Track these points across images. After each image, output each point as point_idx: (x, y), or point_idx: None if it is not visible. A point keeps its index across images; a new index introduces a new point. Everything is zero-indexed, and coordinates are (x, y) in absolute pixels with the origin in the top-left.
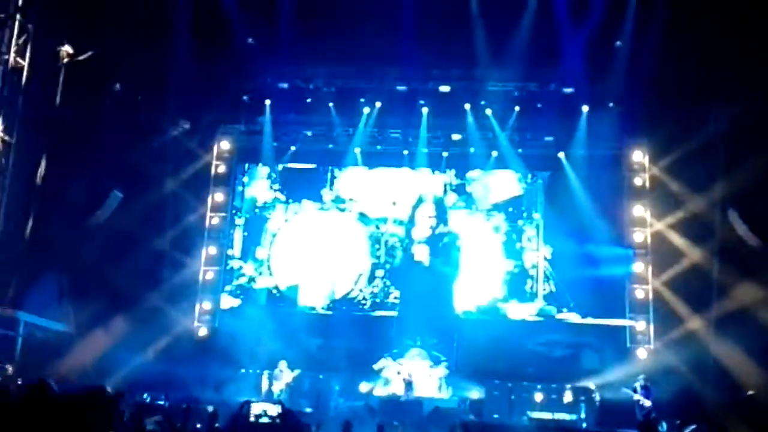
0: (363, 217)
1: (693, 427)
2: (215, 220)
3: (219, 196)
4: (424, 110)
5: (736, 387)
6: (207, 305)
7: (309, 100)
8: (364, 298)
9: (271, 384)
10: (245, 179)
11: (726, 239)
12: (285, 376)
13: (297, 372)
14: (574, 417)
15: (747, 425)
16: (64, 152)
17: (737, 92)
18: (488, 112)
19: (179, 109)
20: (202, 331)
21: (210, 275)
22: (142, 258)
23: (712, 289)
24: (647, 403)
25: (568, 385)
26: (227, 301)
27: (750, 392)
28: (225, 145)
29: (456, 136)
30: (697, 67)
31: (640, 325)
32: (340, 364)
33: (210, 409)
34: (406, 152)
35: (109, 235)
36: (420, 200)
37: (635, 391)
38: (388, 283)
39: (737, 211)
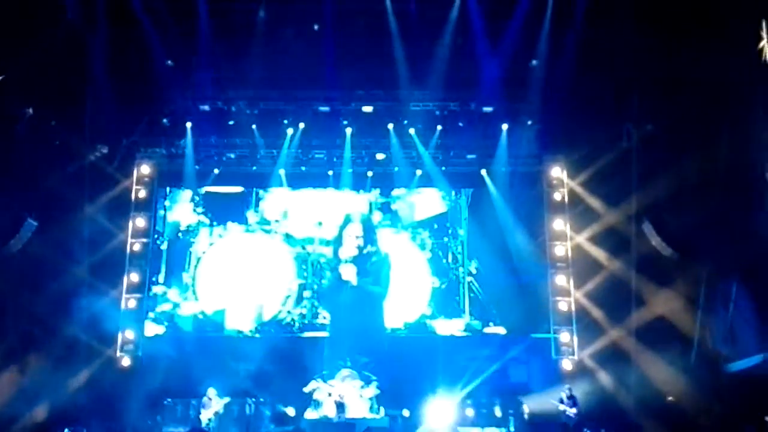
0: (289, 238)
1: None
2: (137, 246)
3: (140, 222)
4: (348, 130)
5: (657, 394)
6: (130, 334)
7: (231, 123)
8: (292, 320)
9: (199, 413)
10: (167, 203)
11: (642, 251)
12: (214, 404)
13: (226, 399)
14: (503, 430)
15: (667, 430)
16: None
17: (648, 111)
18: (411, 131)
19: (96, 132)
20: (126, 361)
21: (132, 303)
22: (58, 288)
23: (630, 299)
24: (573, 411)
25: (497, 399)
26: (151, 329)
27: (669, 399)
28: (145, 169)
29: (380, 156)
30: (609, 86)
31: (564, 337)
32: (270, 388)
33: None
34: (330, 172)
35: (23, 264)
36: (347, 220)
37: (561, 401)
38: (316, 303)
39: (651, 223)
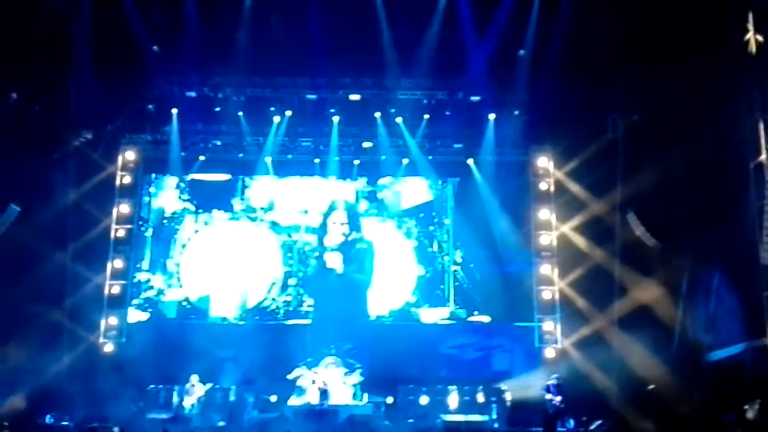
0: (275, 226)
1: (599, 422)
2: (121, 233)
3: (124, 208)
4: (335, 119)
5: (638, 382)
6: (113, 320)
7: (218, 109)
8: (277, 307)
9: (182, 399)
10: (152, 190)
11: (626, 240)
12: (197, 390)
13: (209, 386)
14: (486, 418)
15: (648, 418)
16: None
17: (634, 103)
18: (398, 120)
19: (81, 118)
20: (109, 347)
21: (116, 289)
22: (42, 273)
23: (614, 288)
24: (558, 399)
25: (480, 387)
26: (135, 315)
27: (651, 386)
28: (130, 155)
29: (367, 144)
30: (596, 77)
31: (547, 326)
32: (254, 375)
33: (116, 430)
34: (317, 160)
35: (6, 250)
36: (332, 207)
37: (548, 389)
38: (301, 291)
39: (635, 213)
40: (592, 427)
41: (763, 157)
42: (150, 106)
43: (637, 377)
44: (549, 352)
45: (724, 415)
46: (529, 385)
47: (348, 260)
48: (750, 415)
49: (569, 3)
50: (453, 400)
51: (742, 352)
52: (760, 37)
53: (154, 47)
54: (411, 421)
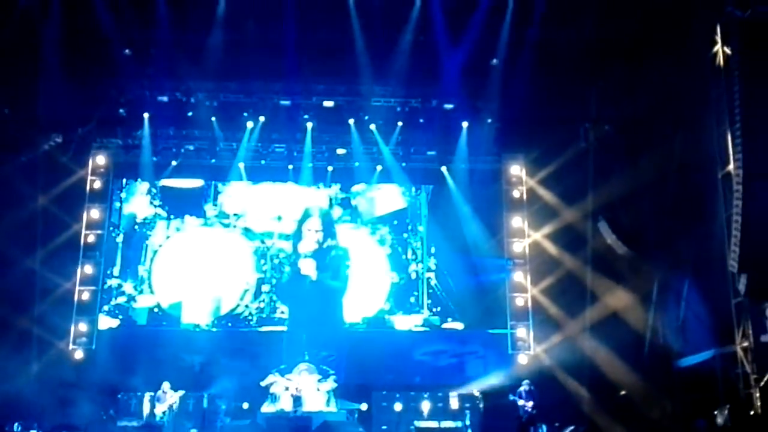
0: (248, 232)
1: (571, 428)
2: (91, 238)
3: (95, 213)
4: (309, 125)
5: (610, 388)
6: (83, 327)
7: (190, 114)
8: (250, 314)
9: (153, 407)
10: (123, 195)
11: (597, 248)
12: (169, 397)
13: (181, 393)
14: (459, 424)
15: (620, 424)
16: None
17: (605, 111)
18: (372, 127)
19: (50, 121)
20: (78, 354)
21: (86, 295)
22: (10, 279)
23: (585, 295)
24: (530, 405)
25: (453, 393)
26: (105, 322)
27: (622, 392)
28: (101, 159)
29: (341, 151)
30: (568, 87)
31: (520, 332)
32: (226, 382)
33: None
34: (290, 167)
35: None
36: (306, 214)
37: (520, 396)
38: (274, 298)
39: (606, 221)
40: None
41: (731, 166)
42: (121, 110)
43: (609, 383)
44: (522, 359)
45: (694, 420)
46: (503, 391)
47: (323, 267)
48: (719, 420)
49: (541, 13)
50: (426, 406)
51: (712, 359)
52: (727, 50)
53: (126, 50)
54: (384, 427)
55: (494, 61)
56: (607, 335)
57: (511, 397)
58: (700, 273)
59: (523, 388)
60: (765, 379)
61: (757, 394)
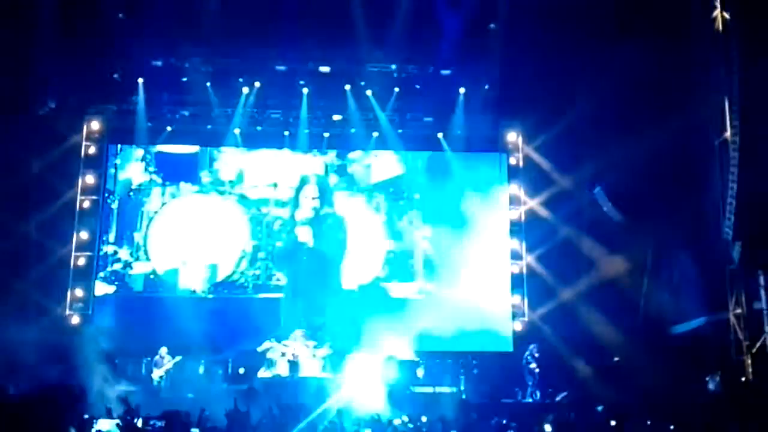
0: (243, 199)
1: (564, 393)
2: (86, 204)
3: (90, 179)
4: (305, 90)
5: (604, 354)
6: (79, 292)
7: (185, 79)
8: (246, 281)
9: (150, 371)
10: (118, 161)
11: (593, 216)
12: (166, 362)
13: (178, 358)
14: (454, 389)
15: (613, 389)
16: None
17: (602, 79)
18: (368, 93)
19: (44, 87)
20: (75, 320)
21: (82, 261)
22: (5, 244)
23: (581, 263)
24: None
25: (449, 360)
26: (101, 288)
27: (616, 359)
28: (95, 125)
29: (337, 117)
30: (565, 53)
31: (515, 299)
32: (223, 348)
33: None
34: (286, 133)
35: None
36: (303, 181)
37: (527, 361)
38: (270, 265)
39: (602, 189)
40: (557, 398)
41: (727, 134)
42: (115, 75)
43: (603, 350)
44: (517, 325)
45: (687, 386)
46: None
47: (319, 234)
48: (711, 386)
49: None
50: (421, 372)
51: (705, 326)
52: (726, 15)
53: (120, 14)
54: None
55: (492, 25)
56: (601, 302)
57: (524, 361)
58: (694, 240)
59: (530, 352)
60: (757, 345)
61: (749, 361)
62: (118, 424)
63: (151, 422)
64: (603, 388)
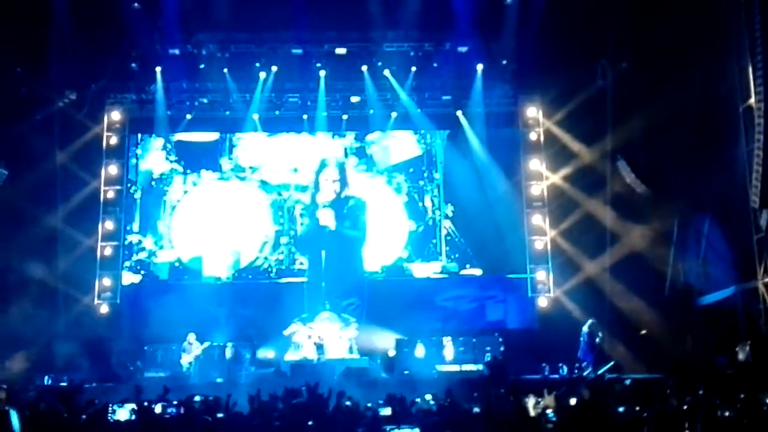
0: (264, 185)
1: (611, 363)
2: (110, 194)
3: (113, 169)
4: (322, 73)
5: (631, 327)
6: (107, 282)
7: (202, 66)
8: (269, 266)
9: (179, 357)
10: (138, 151)
11: (616, 188)
12: (194, 348)
13: (206, 344)
14: (480, 367)
15: (641, 362)
16: None
17: (622, 50)
18: (386, 72)
19: (64, 79)
20: (104, 309)
21: (108, 251)
22: (33, 236)
23: (605, 236)
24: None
25: (474, 339)
26: (128, 277)
27: (643, 332)
28: (115, 115)
29: (355, 99)
30: (584, 24)
31: (540, 275)
32: (249, 332)
33: None
34: (305, 116)
35: None
36: (323, 164)
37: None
38: (293, 249)
39: (625, 161)
40: (601, 371)
41: (752, 100)
42: (133, 65)
43: (630, 323)
44: (542, 301)
45: (715, 357)
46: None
47: (341, 217)
48: (741, 356)
49: None
50: (448, 351)
51: (733, 295)
52: None
53: (135, 4)
54: (407, 372)
55: (508, 0)
56: (627, 275)
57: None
58: (720, 209)
59: (586, 329)
60: None
61: None
62: (133, 409)
63: (169, 410)
64: (630, 361)
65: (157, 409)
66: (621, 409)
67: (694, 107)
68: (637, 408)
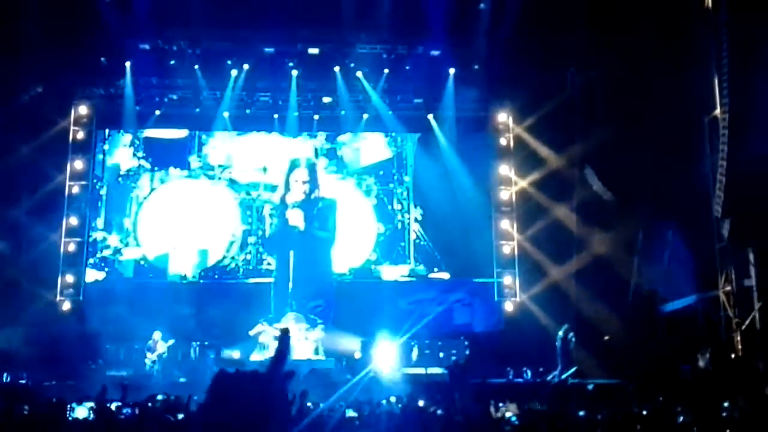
0: (233, 184)
1: (554, 373)
2: (75, 189)
3: (78, 164)
4: (294, 73)
5: (594, 333)
6: (70, 278)
7: (172, 62)
8: (236, 266)
9: (143, 356)
10: (106, 147)
11: (583, 195)
12: (159, 347)
13: (171, 342)
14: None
15: (604, 368)
16: None
17: (591, 59)
18: (358, 74)
19: (31, 72)
20: (66, 306)
21: (72, 247)
22: None
23: (571, 242)
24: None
25: (440, 342)
26: (92, 274)
27: (606, 338)
28: (83, 109)
29: (326, 99)
30: (554, 33)
31: (507, 280)
32: (214, 332)
33: None
34: (276, 116)
35: None
36: (293, 165)
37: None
38: (260, 249)
39: (592, 168)
40: (564, 376)
41: (717, 111)
42: (102, 59)
43: (594, 328)
44: (508, 306)
45: (677, 364)
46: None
47: (310, 218)
48: (701, 363)
49: None
50: (414, 354)
51: (695, 303)
52: None
53: None
54: (372, 375)
55: (482, 5)
56: (592, 281)
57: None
58: (684, 218)
59: (561, 333)
60: (747, 322)
61: (739, 338)
62: (92, 408)
63: (124, 410)
64: (594, 367)
65: (113, 407)
66: (581, 414)
67: (661, 117)
68: (598, 415)
